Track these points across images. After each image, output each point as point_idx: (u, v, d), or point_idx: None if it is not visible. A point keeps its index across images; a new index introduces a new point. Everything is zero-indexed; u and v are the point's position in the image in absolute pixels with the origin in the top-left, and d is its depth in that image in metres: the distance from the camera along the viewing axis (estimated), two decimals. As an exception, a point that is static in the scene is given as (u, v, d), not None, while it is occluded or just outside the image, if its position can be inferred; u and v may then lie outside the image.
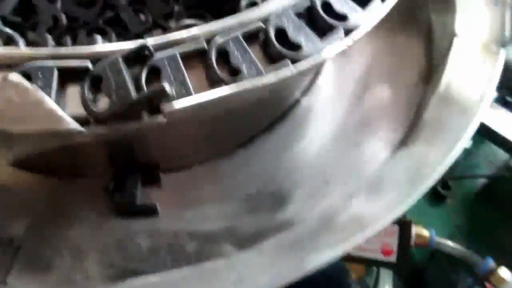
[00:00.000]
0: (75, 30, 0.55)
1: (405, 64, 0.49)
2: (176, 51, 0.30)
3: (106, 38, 0.53)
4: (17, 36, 0.37)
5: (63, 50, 0.30)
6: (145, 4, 0.57)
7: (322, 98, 0.48)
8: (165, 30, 0.55)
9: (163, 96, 0.28)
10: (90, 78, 0.29)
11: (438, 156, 0.40)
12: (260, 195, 0.40)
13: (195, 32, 0.31)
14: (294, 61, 0.32)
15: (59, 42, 0.52)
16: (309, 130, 0.46)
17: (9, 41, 0.37)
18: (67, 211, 0.38)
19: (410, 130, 0.44)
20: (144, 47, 0.29)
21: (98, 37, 0.36)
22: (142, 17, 0.55)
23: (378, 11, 0.36)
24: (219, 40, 0.31)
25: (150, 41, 0.30)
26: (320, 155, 0.44)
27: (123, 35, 0.54)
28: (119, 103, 0.28)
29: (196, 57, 0.31)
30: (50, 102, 0.27)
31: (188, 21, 0.39)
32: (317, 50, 0.33)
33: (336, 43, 0.33)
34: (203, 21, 0.51)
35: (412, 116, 0.46)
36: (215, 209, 0.39)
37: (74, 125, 0.27)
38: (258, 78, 0.30)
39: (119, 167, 0.38)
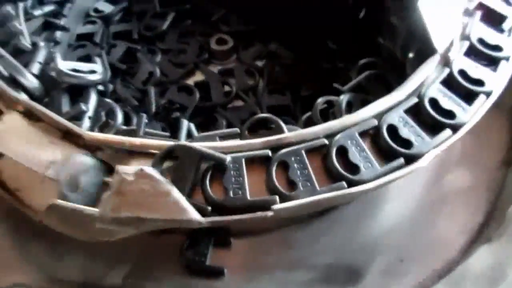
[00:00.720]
0: (165, 85, 0.61)
1: (487, 147, 0.49)
2: (301, 148, 0.33)
3: (191, 98, 0.56)
4: (116, 109, 0.41)
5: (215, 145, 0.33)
6: (233, 75, 0.60)
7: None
8: (245, 102, 0.58)
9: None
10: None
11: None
12: (335, 267, 0.41)
13: (316, 130, 0.34)
14: (406, 157, 0.33)
15: (145, 91, 0.59)
16: (385, 205, 0.46)
17: (110, 112, 0.40)
18: (154, 264, 0.40)
19: (491, 218, 0.44)
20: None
21: (185, 122, 0.40)
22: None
23: (482, 106, 0.37)
24: (338, 138, 0.33)
25: (279, 137, 0.33)
26: (395, 231, 0.44)
27: (206, 99, 0.58)
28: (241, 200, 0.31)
29: (317, 153, 0.33)
30: (176, 193, 0.29)
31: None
32: (427, 147, 0.34)
33: (444, 140, 0.35)
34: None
35: (492, 201, 0.45)
36: (286, 275, 0.40)
37: (196, 216, 0.30)
38: (377, 180, 0.32)
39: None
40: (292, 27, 0.65)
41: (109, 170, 0.33)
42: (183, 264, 0.39)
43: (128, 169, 0.30)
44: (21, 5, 0.48)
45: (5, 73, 0.38)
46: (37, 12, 0.53)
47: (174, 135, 0.41)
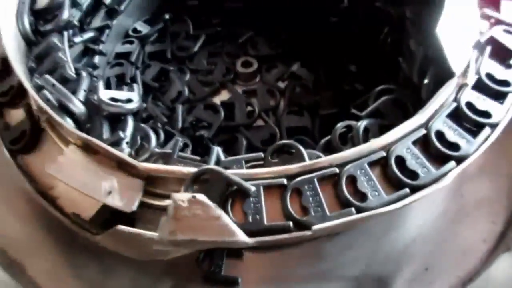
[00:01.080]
0: (192, 103, 0.66)
1: (506, 156, 0.50)
2: (314, 176, 0.36)
3: (216, 116, 0.61)
4: (150, 134, 0.45)
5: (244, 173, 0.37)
6: (255, 95, 0.64)
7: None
8: (266, 122, 0.62)
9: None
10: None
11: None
12: (363, 277, 0.43)
13: (329, 160, 0.37)
14: (413, 188, 0.36)
15: (173, 109, 0.64)
16: (408, 216, 0.48)
17: (145, 136, 0.44)
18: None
19: (510, 227, 0.46)
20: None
21: (215, 149, 0.42)
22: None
23: (487, 138, 0.39)
24: (349, 167, 0.36)
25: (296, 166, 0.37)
26: (419, 241, 0.46)
27: (230, 118, 0.62)
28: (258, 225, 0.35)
29: (329, 181, 0.36)
30: (225, 217, 0.33)
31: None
32: (433, 179, 0.37)
33: (449, 172, 0.37)
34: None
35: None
36: (316, 287, 0.43)
37: (244, 237, 0.34)
38: (384, 208, 0.35)
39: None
40: (314, 49, 0.69)
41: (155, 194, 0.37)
42: (200, 275, 0.42)
43: (182, 196, 0.33)
44: (66, 34, 0.52)
45: (54, 101, 0.42)
46: (78, 40, 0.57)
47: (203, 157, 0.44)
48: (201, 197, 0.33)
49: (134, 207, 0.36)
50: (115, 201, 0.36)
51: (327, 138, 0.46)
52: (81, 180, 0.37)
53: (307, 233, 0.34)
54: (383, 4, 0.61)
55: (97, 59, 0.61)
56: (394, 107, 0.47)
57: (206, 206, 0.33)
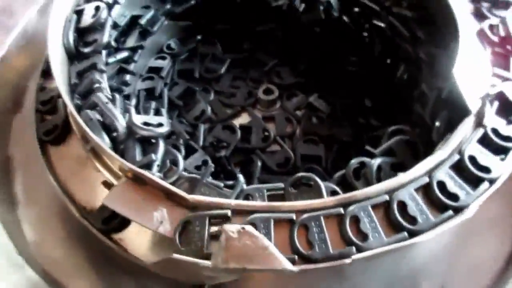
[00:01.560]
0: (213, 123, 0.70)
1: None
2: (320, 214, 0.39)
3: (233, 137, 0.66)
4: (179, 158, 0.47)
5: (274, 205, 0.40)
6: (274, 121, 0.67)
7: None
8: (281, 147, 0.66)
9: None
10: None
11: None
12: None
13: (334, 200, 0.40)
14: (411, 232, 0.39)
15: (195, 126, 0.68)
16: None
17: (173, 160, 0.47)
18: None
19: None
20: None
21: (241, 179, 0.45)
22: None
23: (486, 191, 0.42)
24: (353, 208, 0.40)
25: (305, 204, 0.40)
26: (435, 260, 0.49)
27: (247, 140, 0.67)
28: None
29: (334, 219, 0.40)
30: (272, 247, 0.36)
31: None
32: (431, 225, 0.40)
33: (448, 220, 0.40)
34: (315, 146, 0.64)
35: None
36: None
37: (290, 266, 0.37)
38: (381, 247, 0.38)
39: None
40: (333, 82, 0.72)
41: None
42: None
43: (232, 228, 0.36)
44: (103, 55, 0.56)
45: (95, 119, 0.46)
46: (112, 60, 0.61)
47: (226, 181, 0.46)
48: (250, 228, 0.36)
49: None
50: (167, 230, 0.39)
51: (341, 172, 0.48)
52: (134, 210, 0.40)
53: (347, 261, 0.38)
54: (401, 41, 0.64)
55: (128, 77, 0.65)
56: (406, 146, 0.49)
57: (254, 237, 0.36)
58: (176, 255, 0.37)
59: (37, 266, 0.51)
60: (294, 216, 0.39)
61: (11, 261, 0.51)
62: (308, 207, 0.40)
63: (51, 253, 0.53)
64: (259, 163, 0.64)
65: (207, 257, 0.37)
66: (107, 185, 0.45)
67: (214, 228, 0.39)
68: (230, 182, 0.46)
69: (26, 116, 0.63)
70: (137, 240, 0.44)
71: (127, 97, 0.64)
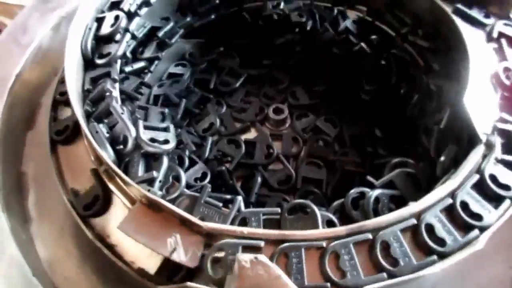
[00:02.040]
0: (221, 136, 0.70)
1: None
2: (350, 241, 0.40)
3: (237, 151, 0.67)
4: (181, 175, 0.47)
5: (296, 234, 0.41)
6: (281, 139, 0.70)
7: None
8: (284, 166, 0.66)
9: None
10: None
11: None
12: None
13: (363, 226, 0.41)
14: (439, 254, 0.40)
15: (203, 138, 0.69)
16: None
17: (176, 176, 0.47)
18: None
19: None
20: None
21: (238, 200, 0.45)
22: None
23: (507, 210, 0.43)
24: (382, 234, 0.40)
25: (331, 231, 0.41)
26: (441, 283, 0.49)
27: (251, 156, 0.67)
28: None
29: (363, 246, 0.40)
30: (285, 277, 0.36)
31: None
32: (459, 246, 0.40)
33: (474, 241, 0.41)
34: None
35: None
36: None
37: None
38: (413, 274, 0.39)
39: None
40: (346, 108, 0.73)
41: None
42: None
43: (245, 257, 0.36)
44: (118, 64, 0.56)
45: (100, 131, 0.47)
46: (128, 69, 0.61)
47: (225, 199, 0.47)
48: (262, 257, 0.36)
49: (197, 262, 0.39)
50: (181, 257, 0.39)
51: (340, 201, 0.47)
52: (147, 236, 0.39)
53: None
54: (416, 71, 0.65)
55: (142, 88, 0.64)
56: (408, 179, 0.49)
57: (267, 266, 0.36)
58: (190, 284, 0.38)
59: (50, 285, 0.51)
60: (324, 244, 0.40)
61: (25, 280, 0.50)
62: (336, 234, 0.40)
63: (64, 272, 0.52)
64: (259, 179, 0.64)
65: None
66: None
67: (218, 254, 0.39)
68: (229, 197, 0.47)
69: (39, 132, 0.63)
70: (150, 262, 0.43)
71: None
